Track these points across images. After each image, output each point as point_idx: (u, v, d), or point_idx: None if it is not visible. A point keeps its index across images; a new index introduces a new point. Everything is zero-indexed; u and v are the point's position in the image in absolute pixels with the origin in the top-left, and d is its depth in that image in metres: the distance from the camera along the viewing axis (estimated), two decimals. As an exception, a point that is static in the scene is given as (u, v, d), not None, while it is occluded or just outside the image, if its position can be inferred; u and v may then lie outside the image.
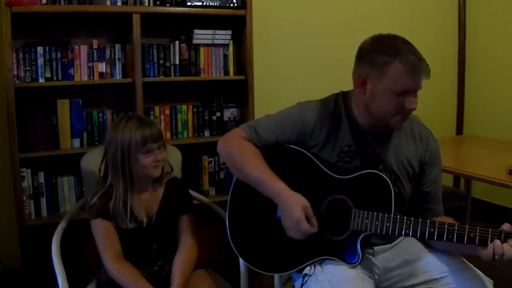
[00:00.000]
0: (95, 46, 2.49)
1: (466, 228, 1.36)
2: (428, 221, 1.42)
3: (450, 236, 1.37)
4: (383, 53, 1.44)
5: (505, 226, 1.35)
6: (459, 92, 3.76)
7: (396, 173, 1.57)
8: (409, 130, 1.62)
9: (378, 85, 1.46)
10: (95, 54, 2.49)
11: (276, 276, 1.75)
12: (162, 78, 2.63)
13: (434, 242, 1.54)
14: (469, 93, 3.74)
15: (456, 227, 1.37)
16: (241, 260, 1.73)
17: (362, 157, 1.56)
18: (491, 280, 1.49)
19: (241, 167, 1.56)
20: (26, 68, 2.37)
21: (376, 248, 1.57)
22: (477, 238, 1.34)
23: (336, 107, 1.61)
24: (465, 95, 3.75)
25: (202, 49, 2.70)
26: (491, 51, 3.55)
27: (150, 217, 1.72)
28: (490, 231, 1.34)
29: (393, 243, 1.61)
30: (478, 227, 1.35)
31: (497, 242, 1.32)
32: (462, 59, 3.71)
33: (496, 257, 1.32)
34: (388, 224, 1.44)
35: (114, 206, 1.66)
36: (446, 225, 1.38)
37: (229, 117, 2.82)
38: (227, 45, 2.75)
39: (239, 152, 1.57)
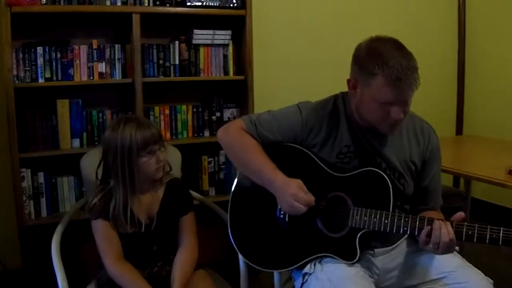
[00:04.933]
0: (94, 46, 2.49)
1: (465, 225, 1.37)
2: (426, 218, 1.42)
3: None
4: (372, 61, 1.44)
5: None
6: (459, 92, 3.76)
7: (400, 170, 1.57)
8: (411, 127, 1.63)
9: (365, 92, 1.47)
10: (94, 54, 2.49)
11: (276, 276, 1.75)
12: (162, 78, 2.63)
13: None
14: (469, 93, 3.74)
15: (454, 224, 1.38)
16: (241, 260, 1.74)
17: (361, 157, 1.57)
18: (491, 280, 1.48)
19: (242, 157, 1.59)
20: (26, 68, 2.37)
21: (376, 250, 1.58)
22: (476, 235, 1.35)
23: (334, 107, 1.62)
24: (465, 95, 3.75)
25: (202, 49, 2.70)
26: (491, 51, 3.55)
27: (151, 218, 1.72)
28: (426, 219, 1.41)
29: (393, 246, 1.61)
30: (476, 225, 1.36)
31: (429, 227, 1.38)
32: (462, 59, 3.71)
33: (431, 244, 1.37)
34: (386, 222, 1.44)
35: (114, 211, 1.65)
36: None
37: (229, 117, 2.82)
38: (227, 45, 2.75)
39: (240, 143, 1.60)
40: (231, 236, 1.66)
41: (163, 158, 1.71)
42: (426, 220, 1.42)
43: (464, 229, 1.36)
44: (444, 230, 1.36)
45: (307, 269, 1.53)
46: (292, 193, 1.46)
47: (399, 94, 1.42)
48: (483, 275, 1.49)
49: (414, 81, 1.42)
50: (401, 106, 1.45)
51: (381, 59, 1.42)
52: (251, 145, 1.59)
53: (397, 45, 1.47)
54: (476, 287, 1.45)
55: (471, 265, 1.53)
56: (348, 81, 1.54)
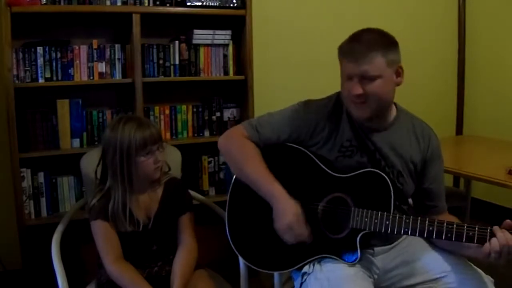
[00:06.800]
0: (95, 46, 2.49)
1: (465, 227, 1.36)
2: (427, 219, 1.42)
3: (449, 235, 1.37)
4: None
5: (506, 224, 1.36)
6: (459, 92, 3.76)
7: (399, 169, 1.58)
8: (411, 127, 1.63)
9: None
10: (95, 54, 2.49)
11: (276, 276, 1.75)
12: (162, 78, 2.63)
13: (435, 240, 1.54)
14: (469, 93, 3.73)
15: (455, 225, 1.37)
16: (241, 260, 1.74)
17: (363, 152, 1.57)
18: (491, 279, 1.49)
19: (240, 166, 1.58)
20: (26, 68, 2.37)
21: (376, 249, 1.58)
22: (476, 236, 1.34)
23: (336, 104, 1.62)
24: (465, 95, 3.75)
25: (202, 49, 2.70)
26: (491, 51, 3.55)
27: (149, 218, 1.72)
28: (488, 230, 1.34)
29: (393, 244, 1.61)
30: (477, 226, 1.36)
31: (494, 239, 1.32)
32: (462, 59, 3.71)
33: (492, 254, 1.32)
34: (387, 223, 1.44)
35: (113, 209, 1.66)
36: (445, 224, 1.38)
37: (229, 117, 2.82)
38: (227, 45, 2.75)
39: (239, 151, 1.59)
40: (229, 238, 1.65)
41: (162, 158, 1.71)
42: (427, 221, 1.41)
43: None
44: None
45: (306, 268, 1.53)
46: (287, 223, 1.46)
47: (350, 66, 1.47)
48: (484, 273, 1.50)
49: (361, 54, 1.44)
50: (359, 81, 1.46)
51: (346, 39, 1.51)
52: (251, 155, 1.58)
53: (367, 29, 1.52)
54: (476, 286, 1.45)
55: (471, 264, 1.53)
56: None
